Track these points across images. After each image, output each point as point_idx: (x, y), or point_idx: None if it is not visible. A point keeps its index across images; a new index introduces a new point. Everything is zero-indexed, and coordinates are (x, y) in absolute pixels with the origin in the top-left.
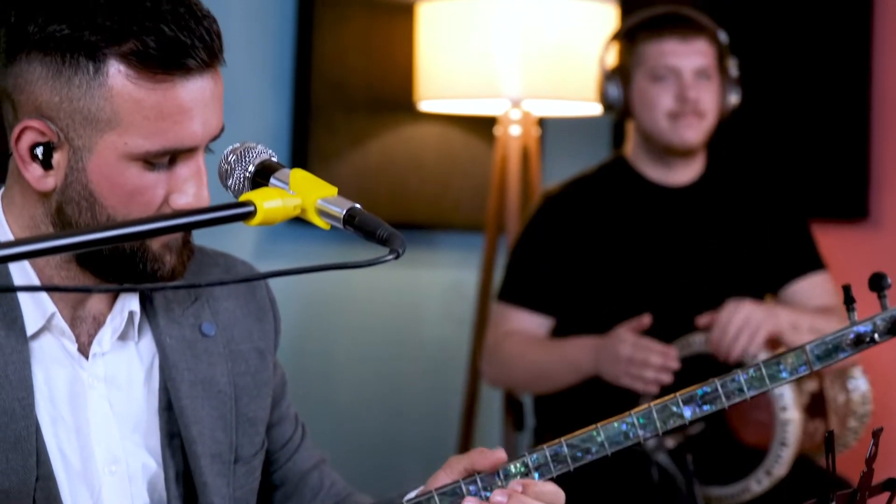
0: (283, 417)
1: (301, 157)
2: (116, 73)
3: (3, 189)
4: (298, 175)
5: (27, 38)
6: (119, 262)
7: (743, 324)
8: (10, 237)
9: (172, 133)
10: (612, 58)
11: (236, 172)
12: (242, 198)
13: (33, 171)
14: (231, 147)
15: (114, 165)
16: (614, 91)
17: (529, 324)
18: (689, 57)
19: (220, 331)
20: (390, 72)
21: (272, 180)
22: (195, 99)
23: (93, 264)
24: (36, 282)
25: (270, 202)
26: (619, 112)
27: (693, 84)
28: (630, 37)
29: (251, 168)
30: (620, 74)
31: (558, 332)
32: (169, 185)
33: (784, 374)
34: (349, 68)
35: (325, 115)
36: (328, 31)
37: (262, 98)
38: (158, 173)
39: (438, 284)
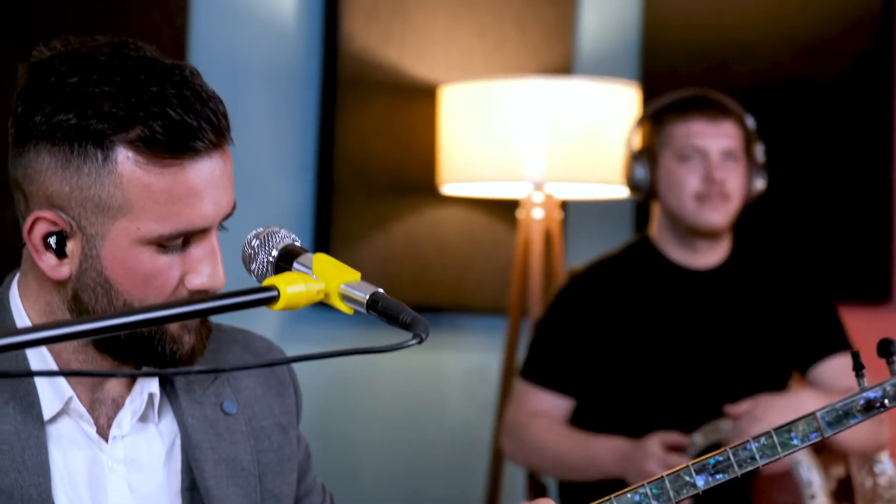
0: (311, 489)
1: (324, 239)
2: (125, 159)
3: (18, 275)
4: (322, 260)
5: (34, 128)
6: (137, 345)
7: (774, 421)
8: (26, 321)
9: (184, 216)
10: (637, 139)
11: (259, 257)
12: (266, 282)
13: (47, 261)
14: (254, 231)
15: (127, 251)
16: (640, 172)
17: (550, 404)
18: (717, 138)
19: (241, 408)
20: (413, 155)
21: (295, 265)
22: (205, 180)
23: (111, 348)
24: (53, 366)
25: (294, 287)
26: (645, 193)
27: (720, 165)
28: (657, 118)
29: (274, 253)
30: (647, 155)
31: (579, 413)
32: (183, 266)
33: (795, 441)
34: (372, 151)
35: (347, 198)
36: (351, 113)
37: (285, 180)
38: (172, 256)
39: (461, 367)
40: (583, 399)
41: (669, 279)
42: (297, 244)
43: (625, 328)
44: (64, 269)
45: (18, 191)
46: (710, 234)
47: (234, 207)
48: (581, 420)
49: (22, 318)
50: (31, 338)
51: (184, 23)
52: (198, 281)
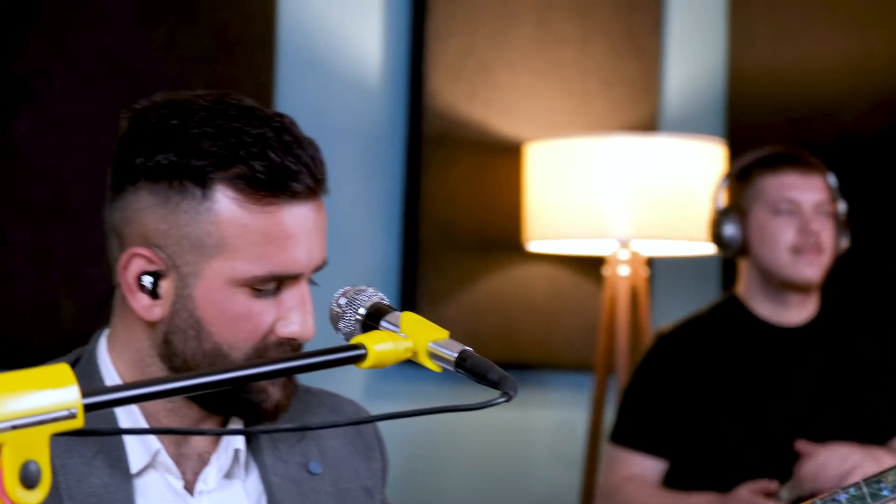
0: None
1: (410, 297)
2: (223, 197)
3: (106, 331)
4: (409, 318)
5: (135, 169)
6: (225, 396)
7: (838, 463)
8: (114, 376)
9: (278, 258)
10: (724, 196)
11: (347, 315)
12: (353, 341)
13: (141, 301)
14: (342, 290)
15: (221, 291)
16: (730, 228)
17: (643, 466)
18: (809, 191)
19: (326, 469)
20: (498, 212)
21: (383, 323)
22: (300, 225)
23: (199, 398)
24: (140, 418)
25: (382, 345)
26: (735, 250)
27: (813, 218)
28: (745, 174)
29: (362, 311)
30: (736, 211)
31: (671, 474)
32: (275, 313)
33: (885, 493)
34: (457, 208)
35: (433, 256)
36: (436, 171)
37: (372, 238)
38: (264, 301)
39: (548, 425)
40: (675, 459)
41: (759, 336)
42: (385, 302)
43: (715, 387)
44: (156, 310)
45: (114, 236)
46: (804, 288)
47: (325, 262)
48: (673, 480)
49: (110, 373)
50: (119, 396)
51: (269, 80)
52: (288, 329)
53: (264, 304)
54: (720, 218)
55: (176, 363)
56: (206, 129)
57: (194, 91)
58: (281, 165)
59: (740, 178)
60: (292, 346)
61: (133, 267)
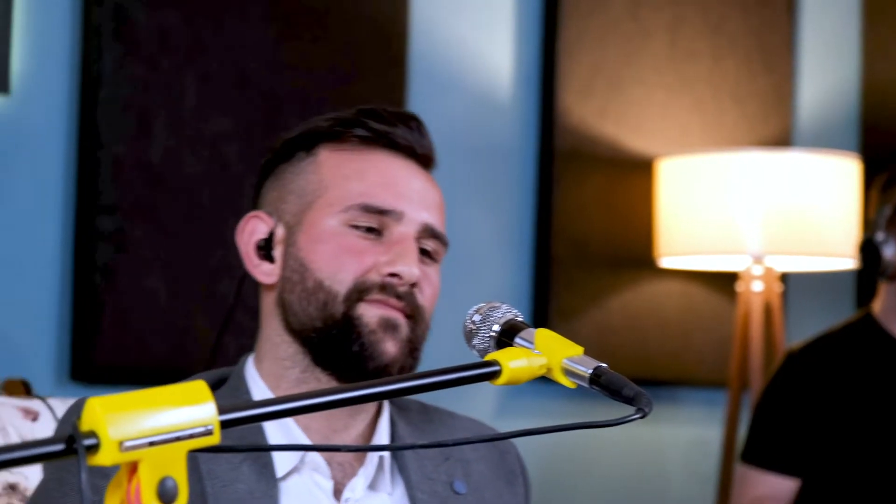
0: None
1: (542, 314)
2: (325, 150)
3: (253, 354)
4: (543, 335)
5: (263, 174)
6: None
7: None
8: (262, 388)
9: (370, 192)
10: (878, 215)
11: (481, 332)
12: (488, 357)
13: (261, 268)
14: (475, 307)
15: (320, 227)
16: (892, 248)
17: (774, 486)
18: None
19: (471, 490)
20: (630, 228)
21: (517, 340)
22: (399, 174)
23: (329, 365)
24: (290, 421)
25: (516, 362)
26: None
27: None
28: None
29: (496, 328)
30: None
31: (804, 496)
32: (378, 253)
33: None
34: (589, 225)
35: (565, 272)
36: (568, 187)
37: (503, 255)
38: (367, 241)
39: (681, 441)
40: (807, 479)
41: (894, 357)
42: (519, 319)
43: (849, 406)
44: (275, 272)
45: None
46: None
47: (443, 237)
48: (805, 501)
49: (257, 385)
50: (254, 413)
51: (401, 98)
52: (391, 267)
53: (366, 244)
54: (876, 237)
55: (292, 322)
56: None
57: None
58: (384, 127)
59: (884, 194)
60: (396, 291)
61: (247, 229)
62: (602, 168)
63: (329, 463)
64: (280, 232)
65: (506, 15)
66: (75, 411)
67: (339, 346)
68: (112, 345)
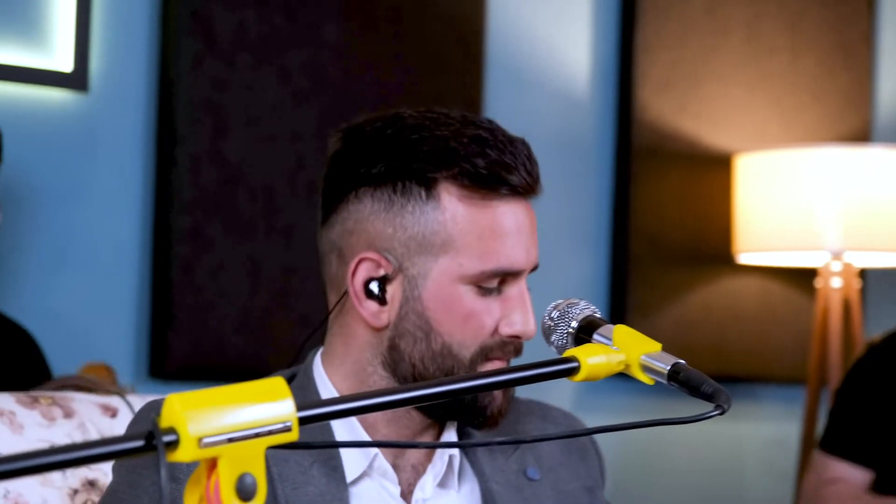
0: None
1: (619, 310)
2: (447, 195)
3: (321, 349)
4: (622, 331)
5: (354, 178)
6: (449, 402)
7: None
8: (331, 390)
9: (503, 255)
10: None
11: (560, 328)
12: (566, 354)
13: (369, 308)
14: (553, 303)
15: (449, 289)
16: None
17: (849, 475)
18: None
19: (545, 474)
20: (708, 224)
21: (595, 336)
22: (519, 222)
23: (422, 406)
24: (359, 428)
25: (594, 358)
26: None
27: None
28: None
29: (574, 324)
30: None
31: (878, 486)
32: (499, 312)
33: None
34: (667, 221)
35: (643, 268)
36: (645, 183)
37: (581, 251)
38: (489, 299)
39: (760, 438)
40: (881, 471)
41: None
42: (597, 315)
43: None
44: (384, 316)
45: (333, 252)
46: None
47: (538, 264)
48: (878, 491)
49: (326, 387)
50: (333, 409)
51: (478, 94)
52: (512, 328)
53: (488, 303)
54: None
55: (402, 369)
56: (422, 133)
57: (397, 109)
58: (500, 161)
59: None
60: (515, 346)
61: (361, 273)
62: (680, 164)
63: (396, 469)
64: (398, 278)
65: (583, 11)
66: (145, 413)
67: (449, 405)
68: (189, 342)
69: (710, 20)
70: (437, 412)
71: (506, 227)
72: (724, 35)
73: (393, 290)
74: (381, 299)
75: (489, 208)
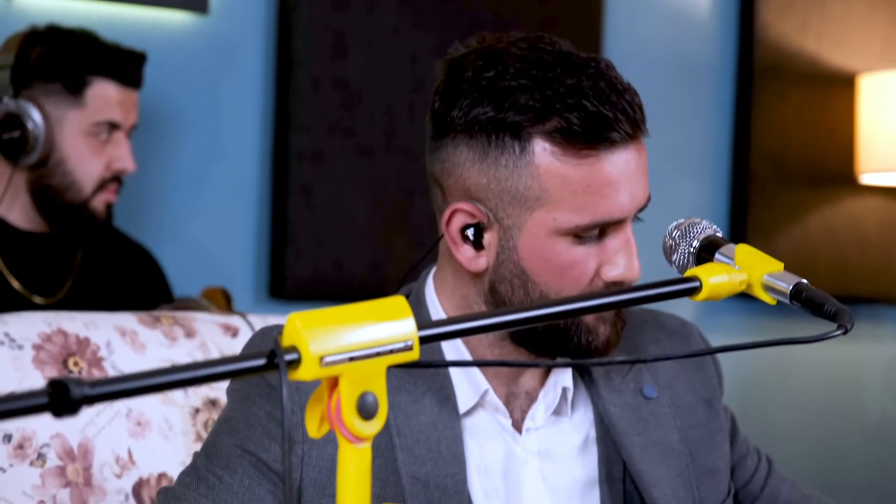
0: (744, 454)
1: (739, 230)
2: (542, 150)
3: (434, 270)
4: (744, 250)
5: (452, 122)
6: (554, 337)
7: None
8: (441, 314)
9: (600, 206)
10: None
11: (681, 248)
12: (687, 273)
13: (465, 253)
14: (675, 223)
15: (544, 242)
16: None
17: None
18: None
19: (661, 390)
20: (830, 145)
21: (717, 255)
22: (621, 171)
23: (527, 341)
24: (469, 358)
25: (716, 278)
26: None
27: None
28: None
29: (696, 244)
30: None
31: None
32: (599, 257)
33: None
34: (788, 142)
35: (763, 190)
36: (767, 104)
37: (701, 172)
38: (588, 247)
39: (881, 359)
40: None
41: None
42: (719, 235)
43: None
44: (481, 261)
45: (436, 185)
46: None
47: (648, 199)
48: None
49: (437, 312)
50: (455, 328)
51: (598, 15)
52: (614, 272)
53: (588, 250)
54: None
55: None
56: (521, 80)
57: (510, 34)
58: (597, 115)
59: None
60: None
61: (456, 221)
62: (802, 84)
63: (506, 403)
64: (494, 227)
65: None
66: (258, 340)
67: (553, 340)
68: (309, 263)
69: None
70: (543, 347)
71: (604, 181)
72: None
73: (489, 238)
74: (477, 245)
75: (585, 163)
